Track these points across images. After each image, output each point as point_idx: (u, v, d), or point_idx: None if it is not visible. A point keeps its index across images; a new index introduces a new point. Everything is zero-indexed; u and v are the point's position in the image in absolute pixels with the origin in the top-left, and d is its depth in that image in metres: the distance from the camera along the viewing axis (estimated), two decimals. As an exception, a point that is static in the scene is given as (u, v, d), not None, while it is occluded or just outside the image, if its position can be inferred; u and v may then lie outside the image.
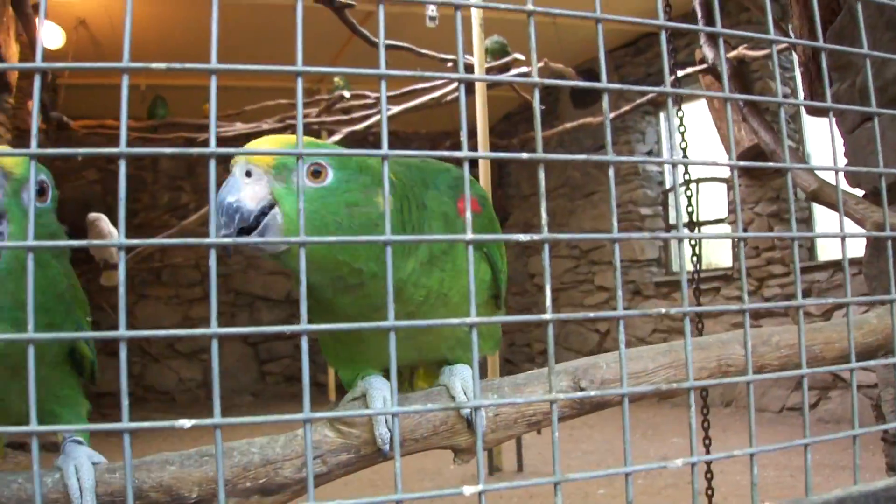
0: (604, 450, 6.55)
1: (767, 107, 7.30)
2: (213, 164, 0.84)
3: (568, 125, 7.95)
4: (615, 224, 0.94)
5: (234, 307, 12.00)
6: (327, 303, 1.52)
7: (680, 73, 4.79)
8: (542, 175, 0.88)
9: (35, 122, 0.87)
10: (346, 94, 8.40)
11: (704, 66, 4.85)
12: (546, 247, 0.88)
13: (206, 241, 0.84)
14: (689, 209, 4.48)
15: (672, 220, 9.93)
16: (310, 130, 8.58)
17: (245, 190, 1.35)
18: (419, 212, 1.51)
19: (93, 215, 7.94)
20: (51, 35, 7.92)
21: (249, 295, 12.05)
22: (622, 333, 0.94)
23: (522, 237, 0.87)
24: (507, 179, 13.11)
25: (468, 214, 0.89)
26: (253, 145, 1.41)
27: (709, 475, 3.92)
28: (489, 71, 6.56)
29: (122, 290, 0.84)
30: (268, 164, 1.34)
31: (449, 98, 7.51)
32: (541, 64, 7.56)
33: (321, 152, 1.27)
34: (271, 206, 1.35)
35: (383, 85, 0.87)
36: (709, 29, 1.13)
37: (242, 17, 7.89)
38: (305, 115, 7.34)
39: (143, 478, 1.37)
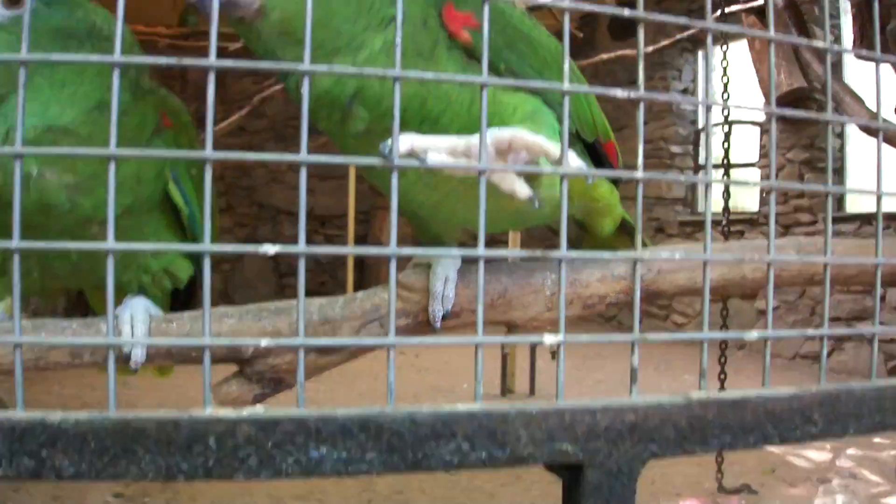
0: (615, 380, 6.65)
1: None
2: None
3: (604, 56, 7.75)
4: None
5: (257, 220, 12.06)
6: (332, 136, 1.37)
7: (727, 10, 4.66)
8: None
9: None
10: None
11: (753, 3, 4.71)
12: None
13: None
14: (725, 145, 4.38)
15: (701, 161, 9.81)
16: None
17: None
18: None
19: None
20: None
21: (273, 208, 12.06)
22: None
23: (620, 93, 0.85)
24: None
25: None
26: None
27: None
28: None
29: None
30: None
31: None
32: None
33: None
34: None
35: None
36: None
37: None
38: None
39: (200, 329, 1.35)
